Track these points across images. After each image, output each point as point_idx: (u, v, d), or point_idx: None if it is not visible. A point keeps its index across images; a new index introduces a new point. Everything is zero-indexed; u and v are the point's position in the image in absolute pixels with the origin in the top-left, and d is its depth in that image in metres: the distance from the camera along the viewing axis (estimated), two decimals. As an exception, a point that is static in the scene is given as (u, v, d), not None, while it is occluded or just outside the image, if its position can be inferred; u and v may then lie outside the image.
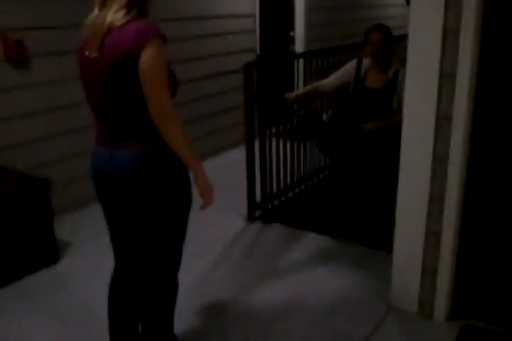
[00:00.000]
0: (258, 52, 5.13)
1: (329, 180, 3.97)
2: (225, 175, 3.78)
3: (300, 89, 3.52)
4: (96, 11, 1.72)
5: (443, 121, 1.99)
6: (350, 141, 3.20)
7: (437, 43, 1.94)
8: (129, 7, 1.67)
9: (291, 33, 5.67)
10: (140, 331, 2.06)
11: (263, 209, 3.44)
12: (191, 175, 1.79)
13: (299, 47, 5.68)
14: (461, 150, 1.98)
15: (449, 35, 1.92)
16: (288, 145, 3.59)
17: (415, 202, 2.11)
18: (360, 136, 3.10)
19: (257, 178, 3.39)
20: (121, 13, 1.66)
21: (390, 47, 3.17)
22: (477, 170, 2.05)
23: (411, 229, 2.16)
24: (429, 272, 2.20)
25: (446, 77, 1.95)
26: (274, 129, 3.50)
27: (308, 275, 2.78)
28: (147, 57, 1.61)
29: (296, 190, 3.82)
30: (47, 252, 2.90)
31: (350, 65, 3.32)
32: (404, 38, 2.06)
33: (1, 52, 3.03)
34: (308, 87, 3.41)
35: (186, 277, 2.07)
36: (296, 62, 3.89)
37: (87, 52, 1.71)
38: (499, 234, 2.10)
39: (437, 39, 1.94)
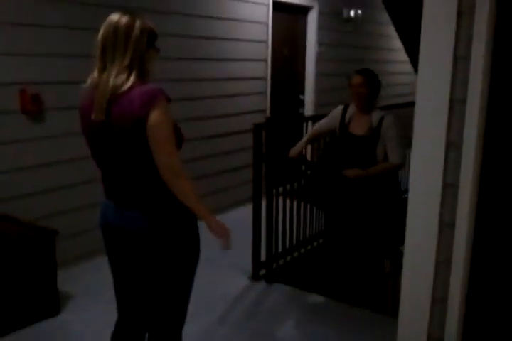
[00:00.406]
0: (268, 113, 5.27)
1: (325, 232, 3.91)
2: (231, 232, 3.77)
3: (302, 140, 3.49)
4: (95, 74, 1.75)
5: (449, 189, 2.02)
6: (333, 189, 3.19)
7: (444, 112, 2.00)
8: (129, 68, 1.70)
9: (301, 97, 5.84)
10: None
11: (268, 268, 3.41)
12: (205, 224, 1.83)
13: (309, 110, 5.84)
14: (467, 218, 2.00)
15: (456, 105, 1.99)
16: (295, 204, 3.62)
17: (421, 267, 2.10)
18: (343, 183, 3.11)
19: (263, 237, 3.40)
20: (122, 77, 1.69)
21: (372, 90, 3.14)
22: (484, 237, 2.05)
23: (416, 296, 2.13)
24: (434, 341, 2.15)
25: (452, 146, 2.00)
26: (281, 189, 3.54)
27: (309, 340, 2.72)
28: (154, 120, 1.67)
29: (302, 250, 3.80)
30: (48, 303, 2.88)
31: (337, 111, 3.34)
32: (413, 104, 2.13)
33: (17, 105, 3.14)
34: (308, 136, 3.49)
35: (187, 335, 2.04)
36: (305, 124, 3.99)
37: (93, 116, 1.73)
38: (507, 305, 2.08)
39: (444, 108, 2.00)
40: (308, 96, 5.86)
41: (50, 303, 2.88)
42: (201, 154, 4.47)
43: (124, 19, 1.73)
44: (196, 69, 4.40)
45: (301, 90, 5.85)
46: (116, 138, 1.72)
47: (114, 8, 3.61)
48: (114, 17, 1.75)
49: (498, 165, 2.02)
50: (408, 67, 7.03)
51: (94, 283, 3.19)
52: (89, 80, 1.78)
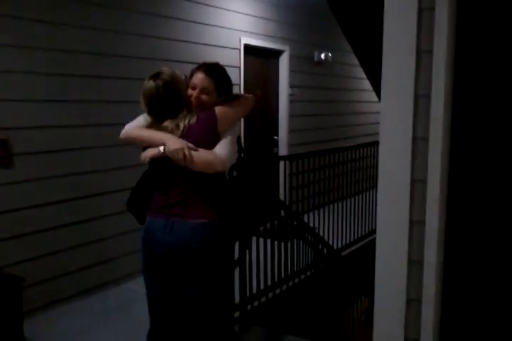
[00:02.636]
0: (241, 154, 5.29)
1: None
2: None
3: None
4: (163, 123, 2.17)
5: (416, 226, 2.02)
6: None
7: (407, 149, 2.04)
8: (187, 109, 2.18)
9: (275, 137, 5.92)
10: None
11: (242, 311, 3.34)
12: None
13: (283, 150, 5.90)
14: (436, 254, 2.00)
15: (418, 142, 2.03)
16: (269, 244, 3.59)
17: (392, 305, 2.08)
18: None
19: (236, 278, 3.34)
20: (189, 117, 2.16)
21: (219, 99, 2.26)
22: (452, 273, 2.05)
23: (388, 336, 2.11)
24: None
25: (417, 182, 2.02)
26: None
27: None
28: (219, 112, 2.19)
29: (277, 291, 3.75)
30: (13, 354, 2.76)
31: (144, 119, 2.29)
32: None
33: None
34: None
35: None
36: (283, 163, 4.04)
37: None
38: None
39: (407, 146, 2.04)
40: (282, 137, 5.93)
41: (16, 353, 2.77)
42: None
43: (160, 82, 2.15)
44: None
45: (275, 131, 5.93)
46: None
47: (85, 54, 3.69)
48: (151, 84, 2.16)
49: (462, 208, 2.04)
50: (378, 107, 7.23)
51: (60, 331, 3.10)
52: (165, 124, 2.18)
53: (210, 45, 4.80)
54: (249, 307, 3.39)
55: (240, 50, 5.19)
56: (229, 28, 5.04)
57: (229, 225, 2.20)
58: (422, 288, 2.03)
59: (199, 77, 2.25)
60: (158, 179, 2.19)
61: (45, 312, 3.39)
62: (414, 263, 2.04)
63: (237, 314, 3.34)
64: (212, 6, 4.80)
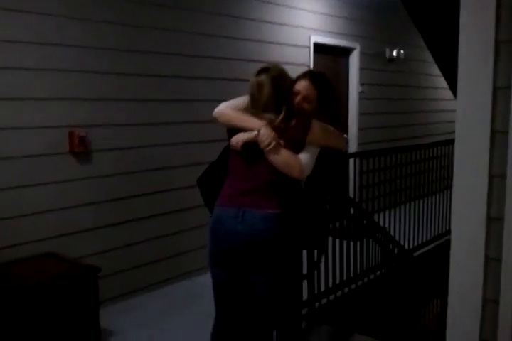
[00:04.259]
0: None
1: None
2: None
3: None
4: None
5: (494, 224, 1.94)
6: None
7: (485, 143, 1.95)
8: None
9: (344, 135, 5.85)
10: None
11: (310, 308, 3.33)
12: None
13: (352, 148, 5.83)
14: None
15: (497, 136, 1.94)
16: (337, 242, 3.55)
17: (466, 306, 2.00)
18: None
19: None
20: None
21: (317, 109, 2.37)
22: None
23: (463, 338, 2.02)
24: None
25: (496, 177, 1.94)
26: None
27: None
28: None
29: (346, 290, 3.70)
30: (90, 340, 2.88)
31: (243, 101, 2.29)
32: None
33: (66, 146, 3.28)
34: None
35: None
36: (353, 161, 3.99)
37: None
38: None
39: (485, 139, 1.95)
40: (352, 135, 5.86)
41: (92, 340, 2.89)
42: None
43: (266, 77, 2.17)
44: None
45: (345, 129, 5.86)
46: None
47: (160, 54, 3.81)
48: (258, 77, 2.18)
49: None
50: (453, 105, 6.96)
51: (135, 320, 3.21)
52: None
53: (280, 43, 4.81)
54: (317, 304, 3.37)
55: (309, 48, 5.17)
56: (298, 26, 5.03)
57: (299, 218, 2.20)
58: (499, 288, 1.94)
59: (304, 85, 2.29)
60: (241, 165, 2.21)
61: (118, 302, 3.52)
62: (492, 262, 1.95)
63: (304, 311, 3.33)
64: (281, 5, 4.82)
